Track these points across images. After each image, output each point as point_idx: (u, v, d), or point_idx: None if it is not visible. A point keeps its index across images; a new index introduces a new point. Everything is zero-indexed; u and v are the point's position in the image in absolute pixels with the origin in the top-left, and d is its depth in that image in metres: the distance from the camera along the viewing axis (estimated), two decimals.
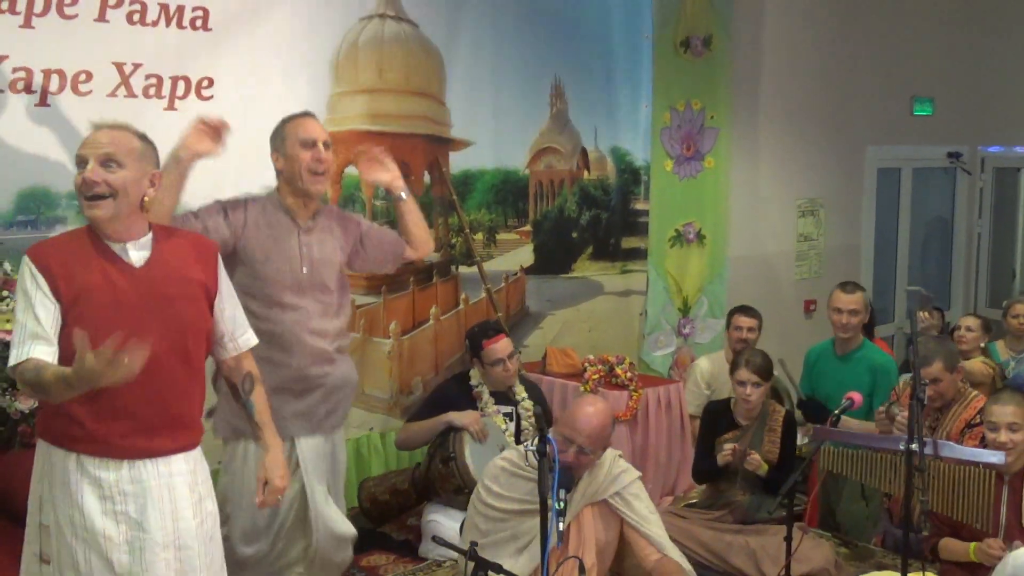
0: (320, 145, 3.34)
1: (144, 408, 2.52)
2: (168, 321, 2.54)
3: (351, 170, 4.85)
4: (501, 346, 4.54)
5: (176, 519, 2.56)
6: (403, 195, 3.58)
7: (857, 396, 4.08)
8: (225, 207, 3.34)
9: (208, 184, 3.39)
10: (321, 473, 3.48)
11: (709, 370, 5.45)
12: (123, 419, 2.49)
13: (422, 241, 3.65)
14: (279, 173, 3.39)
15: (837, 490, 4.68)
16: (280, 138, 3.37)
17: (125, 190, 2.49)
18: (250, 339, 2.84)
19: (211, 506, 2.70)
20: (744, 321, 5.28)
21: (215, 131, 3.17)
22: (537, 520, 2.87)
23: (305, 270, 3.37)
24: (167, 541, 2.54)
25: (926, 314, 4.92)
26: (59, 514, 2.50)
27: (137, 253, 2.54)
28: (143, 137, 2.59)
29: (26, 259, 2.50)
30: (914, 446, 3.21)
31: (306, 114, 3.43)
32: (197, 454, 2.68)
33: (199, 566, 2.60)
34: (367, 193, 4.93)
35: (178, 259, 2.61)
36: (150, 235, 2.58)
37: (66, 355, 2.44)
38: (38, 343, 2.43)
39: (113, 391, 2.40)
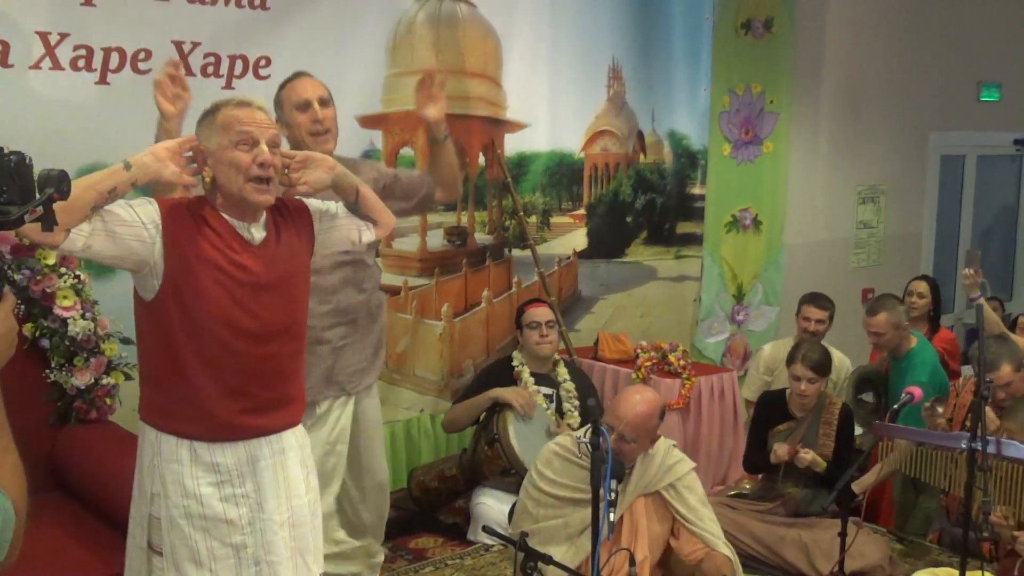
0: (315, 104, 3.21)
1: (258, 388, 2.47)
2: (284, 300, 2.50)
3: (406, 151, 4.85)
4: (540, 311, 4.60)
5: (290, 497, 2.53)
6: (442, 136, 3.48)
7: (917, 390, 3.99)
8: None
9: None
10: None
11: (771, 355, 5.34)
12: (238, 399, 2.44)
13: (453, 184, 3.61)
14: (287, 142, 3.21)
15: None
16: (279, 107, 3.23)
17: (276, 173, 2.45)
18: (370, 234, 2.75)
19: (314, 481, 2.67)
20: (814, 313, 5.08)
21: (179, 83, 2.83)
22: (588, 509, 2.85)
23: None
24: (283, 519, 2.50)
25: (971, 271, 4.77)
26: (171, 506, 2.42)
27: (258, 233, 2.48)
28: None
29: (151, 200, 2.41)
30: (977, 445, 3.13)
31: (298, 74, 3.29)
32: (302, 427, 2.65)
33: (311, 543, 2.59)
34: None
35: (286, 234, 2.54)
36: (265, 213, 2.51)
37: (156, 318, 2.39)
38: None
39: (228, 367, 2.41)
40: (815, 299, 5.17)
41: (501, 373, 4.62)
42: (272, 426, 2.51)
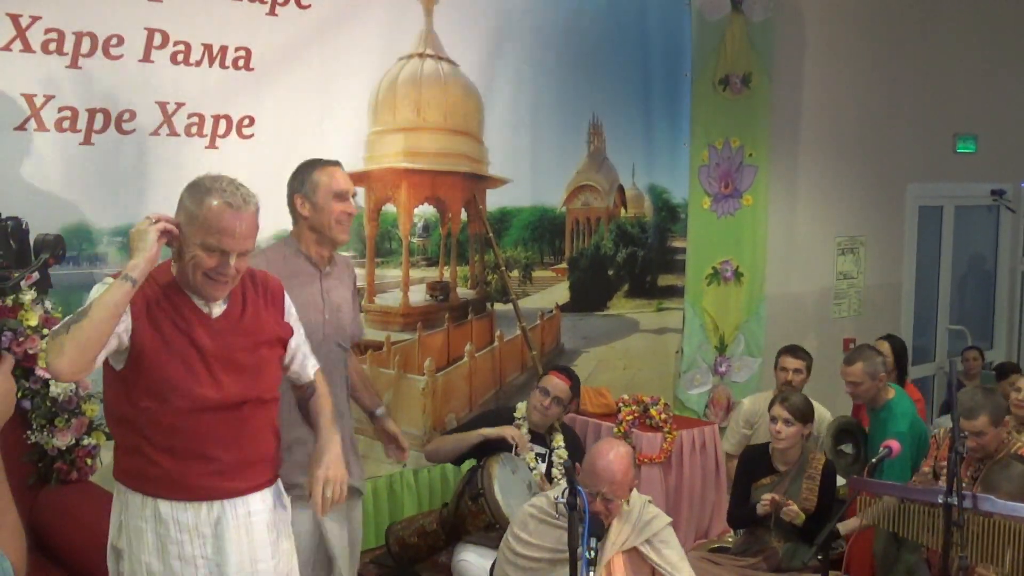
0: (351, 197, 3.30)
1: (223, 451, 2.51)
2: (243, 371, 2.54)
3: (388, 207, 4.89)
4: (556, 383, 4.54)
5: (254, 560, 2.54)
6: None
7: (895, 444, 4.02)
8: None
9: None
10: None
11: (750, 409, 5.38)
12: (202, 463, 2.48)
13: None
14: (302, 219, 3.28)
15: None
16: (310, 185, 3.26)
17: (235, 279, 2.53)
18: (314, 364, 2.86)
19: (287, 544, 2.68)
20: (790, 362, 5.17)
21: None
22: (567, 569, 2.85)
23: (327, 315, 3.32)
24: None
25: None
26: (134, 562, 2.48)
27: (217, 307, 2.55)
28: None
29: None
30: (953, 499, 3.16)
31: (335, 163, 3.35)
32: (275, 490, 2.66)
33: None
34: (404, 230, 4.95)
35: (254, 308, 2.61)
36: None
37: (121, 388, 2.46)
38: None
39: (191, 434, 2.46)
40: (792, 350, 5.25)
41: (499, 421, 4.58)
42: (235, 489, 2.54)
